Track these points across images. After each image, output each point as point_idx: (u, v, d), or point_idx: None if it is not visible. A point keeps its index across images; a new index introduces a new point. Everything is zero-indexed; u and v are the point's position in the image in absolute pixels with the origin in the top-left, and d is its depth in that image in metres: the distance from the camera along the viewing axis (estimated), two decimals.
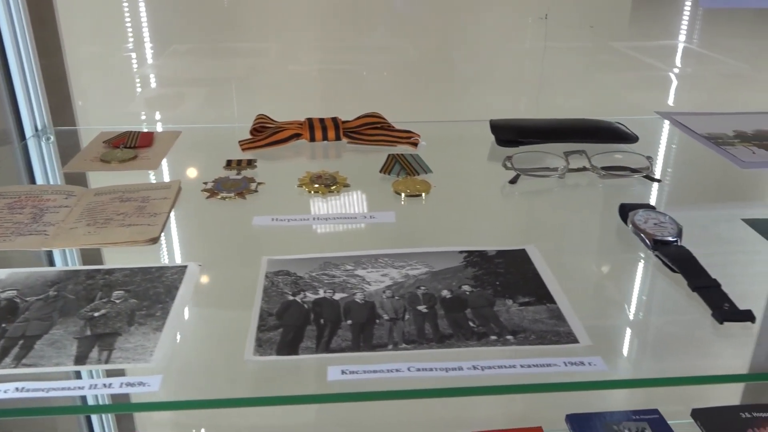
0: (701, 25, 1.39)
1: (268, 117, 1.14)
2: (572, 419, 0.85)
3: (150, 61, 1.30)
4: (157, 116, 1.37)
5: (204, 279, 0.73)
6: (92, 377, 0.58)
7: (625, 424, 0.87)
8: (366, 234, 0.85)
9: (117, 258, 0.78)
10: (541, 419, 0.88)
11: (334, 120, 1.13)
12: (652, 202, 0.89)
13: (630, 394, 1.06)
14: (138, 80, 1.36)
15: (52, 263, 0.78)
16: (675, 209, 0.90)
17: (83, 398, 0.57)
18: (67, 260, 0.80)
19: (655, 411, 0.89)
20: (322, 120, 1.13)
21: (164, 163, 1.03)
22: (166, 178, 0.99)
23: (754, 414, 0.88)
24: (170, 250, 0.80)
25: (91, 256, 0.79)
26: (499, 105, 1.39)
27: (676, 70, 1.43)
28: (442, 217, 0.90)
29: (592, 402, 0.92)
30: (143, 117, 1.36)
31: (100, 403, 0.61)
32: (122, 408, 0.75)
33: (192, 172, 1.01)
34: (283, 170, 1.01)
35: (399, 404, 0.59)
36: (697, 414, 0.87)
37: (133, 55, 1.32)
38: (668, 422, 0.87)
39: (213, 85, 1.40)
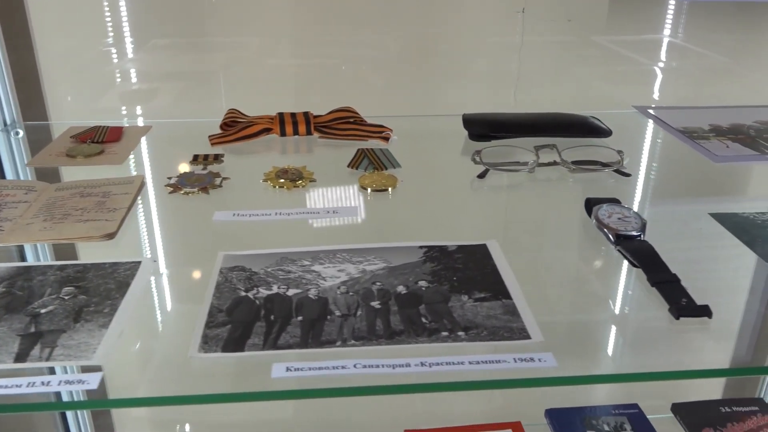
0: (681, 18, 1.38)
1: (238, 111, 1.13)
2: (551, 414, 0.85)
3: (129, 55, 1.29)
4: (138, 111, 1.36)
5: (158, 275, 0.72)
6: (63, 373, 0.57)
7: (604, 419, 0.87)
8: (328, 229, 0.84)
9: (93, 254, 0.76)
10: (521, 414, 0.88)
11: (306, 114, 1.12)
12: (622, 196, 0.88)
13: (611, 389, 1.06)
14: (116, 74, 1.34)
15: (23, 258, 0.77)
16: (644, 204, 0.89)
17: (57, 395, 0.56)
18: (39, 256, 0.78)
19: (635, 405, 0.89)
20: (293, 114, 1.12)
21: (131, 158, 1.02)
22: (133, 173, 0.98)
23: (734, 408, 0.88)
24: (129, 246, 0.79)
25: (64, 251, 0.77)
26: (476, 99, 1.38)
27: (656, 64, 1.42)
28: (408, 212, 0.89)
29: (572, 396, 0.92)
30: (124, 111, 1.35)
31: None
32: (52, 407, 0.74)
33: (158, 167, 1.00)
34: (252, 165, 1.00)
35: (376, 398, 0.58)
36: (678, 408, 0.86)
37: (113, 49, 1.31)
38: (648, 417, 0.86)
39: (191, 79, 1.39)
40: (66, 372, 0.57)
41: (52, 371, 0.57)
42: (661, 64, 1.41)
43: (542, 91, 1.37)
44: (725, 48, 1.44)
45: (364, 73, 1.41)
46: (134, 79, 1.36)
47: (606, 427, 0.87)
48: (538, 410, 0.89)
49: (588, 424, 0.87)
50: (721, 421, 0.86)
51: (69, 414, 1.20)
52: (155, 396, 0.57)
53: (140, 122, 1.23)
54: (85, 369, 0.57)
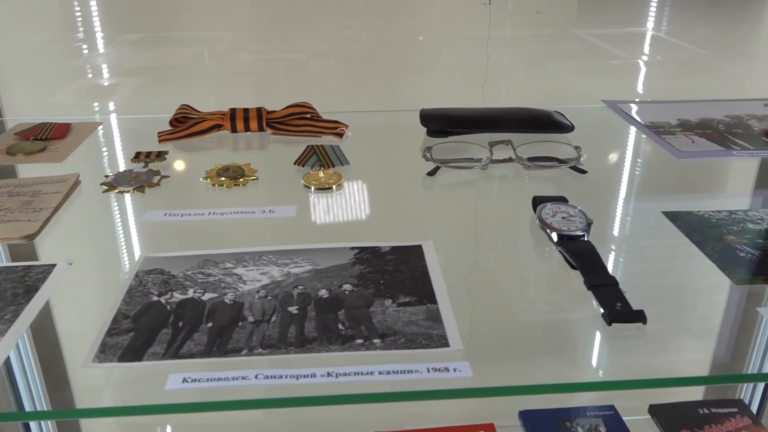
0: (655, 10, 1.34)
1: (190, 107, 1.10)
2: (525, 415, 0.82)
3: (86, 51, 1.26)
4: (96, 107, 1.33)
5: (72, 278, 0.69)
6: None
7: (579, 421, 0.84)
8: (262, 230, 0.80)
9: (21, 255, 0.73)
10: (494, 415, 0.84)
11: (258, 110, 1.08)
12: (578, 193, 0.85)
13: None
14: (74, 70, 1.32)
15: None
16: (597, 202, 0.86)
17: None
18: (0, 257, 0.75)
19: (611, 407, 0.85)
20: (245, 110, 1.08)
21: (74, 155, 0.99)
22: (76, 171, 0.94)
23: (713, 410, 0.85)
24: (51, 248, 0.75)
25: (22, 252, 0.74)
26: (445, 94, 1.34)
27: (629, 57, 1.38)
28: (349, 212, 0.86)
29: (547, 397, 0.88)
30: (96, 107, 1.32)
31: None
32: None
33: (101, 165, 0.97)
34: (198, 163, 0.97)
35: None
36: (655, 410, 0.83)
37: (72, 46, 1.28)
38: (625, 418, 0.83)
39: (152, 74, 1.36)
40: None
41: None
42: (634, 57, 1.37)
43: (511, 86, 1.34)
44: (703, 40, 1.40)
45: (331, 68, 1.38)
46: (91, 75, 1.33)
47: (580, 430, 0.84)
48: (511, 411, 0.86)
49: (562, 426, 0.84)
50: (699, 423, 0.83)
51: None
52: (36, 411, 0.53)
53: (98, 118, 1.20)
54: None
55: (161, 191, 0.87)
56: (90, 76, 1.32)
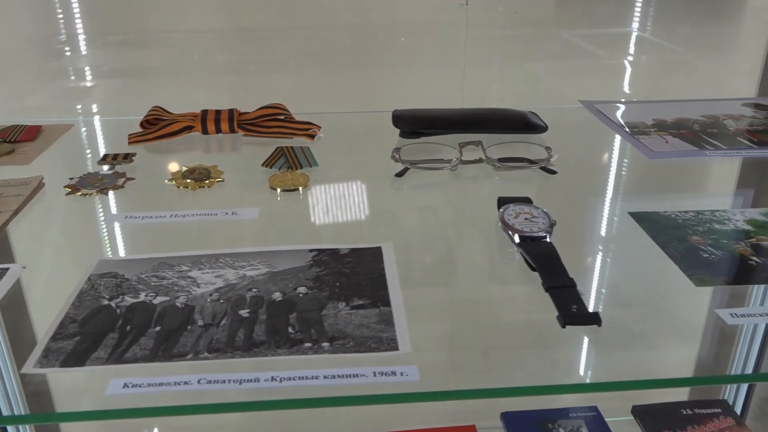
0: (632, 10, 1.33)
1: (162, 109, 1.09)
2: (507, 417, 0.81)
3: (77, 52, 1.26)
4: (78, 108, 1.32)
5: (25, 282, 0.68)
6: None
7: (561, 422, 0.83)
8: (224, 232, 0.80)
9: None
10: (476, 417, 0.84)
11: (230, 112, 1.07)
12: (547, 194, 0.84)
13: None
14: (52, 72, 1.31)
15: None
16: (565, 202, 0.85)
17: None
18: None
19: (594, 408, 0.85)
20: (217, 112, 1.07)
21: (42, 157, 0.98)
22: (41, 174, 0.93)
23: (696, 410, 0.84)
24: (7, 251, 0.75)
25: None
26: (424, 95, 1.34)
27: (609, 57, 1.37)
28: (314, 214, 0.85)
29: (529, 399, 0.87)
30: (78, 108, 1.31)
31: None
32: None
33: (67, 168, 0.96)
34: (167, 164, 0.96)
35: None
36: (638, 411, 0.82)
37: (68, 47, 1.28)
38: (607, 419, 0.82)
39: (131, 76, 1.35)
40: None
41: None
42: (614, 57, 1.36)
43: (490, 86, 1.33)
44: (684, 39, 1.39)
45: (309, 69, 1.37)
46: (69, 77, 1.33)
47: (562, 431, 0.83)
48: (493, 412, 0.85)
49: (544, 427, 0.83)
50: (681, 424, 0.83)
51: None
52: None
53: (71, 120, 1.19)
54: None
55: (125, 193, 0.87)
56: (69, 77, 1.31)
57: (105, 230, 0.79)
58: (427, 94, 1.31)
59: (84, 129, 1.12)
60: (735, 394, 0.94)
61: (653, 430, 0.82)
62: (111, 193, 0.87)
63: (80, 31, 1.31)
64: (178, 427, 0.82)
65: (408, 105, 1.07)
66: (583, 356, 0.60)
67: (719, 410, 0.84)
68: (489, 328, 0.65)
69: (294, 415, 0.98)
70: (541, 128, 1.05)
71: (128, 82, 1.30)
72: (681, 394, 1.01)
